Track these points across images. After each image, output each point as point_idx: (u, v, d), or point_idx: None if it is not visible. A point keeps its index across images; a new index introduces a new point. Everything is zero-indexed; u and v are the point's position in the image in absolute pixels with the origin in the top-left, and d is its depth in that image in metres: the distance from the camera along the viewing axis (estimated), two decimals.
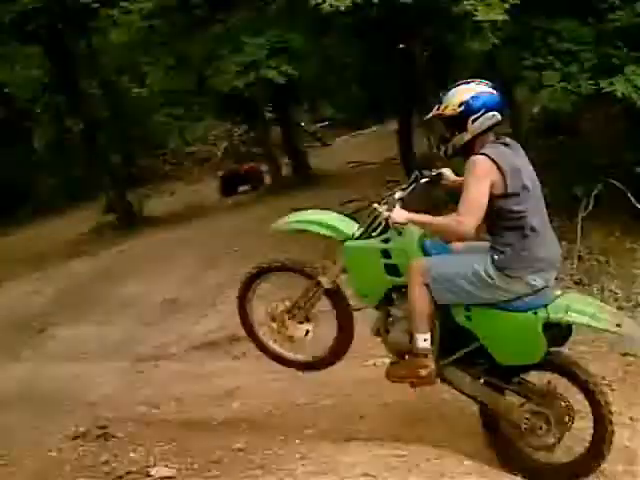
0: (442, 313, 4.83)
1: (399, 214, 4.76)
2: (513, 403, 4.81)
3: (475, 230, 4.53)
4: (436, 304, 4.77)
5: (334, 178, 18.20)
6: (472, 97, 4.60)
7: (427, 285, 4.72)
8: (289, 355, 5.80)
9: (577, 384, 4.68)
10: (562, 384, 4.75)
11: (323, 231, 5.43)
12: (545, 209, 4.75)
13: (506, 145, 4.67)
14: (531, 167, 4.74)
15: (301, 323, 5.56)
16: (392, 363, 5.19)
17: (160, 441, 5.77)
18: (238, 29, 11.17)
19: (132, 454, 5.60)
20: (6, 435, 6.58)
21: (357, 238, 5.16)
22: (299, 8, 10.40)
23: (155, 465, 5.34)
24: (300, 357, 5.80)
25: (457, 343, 4.90)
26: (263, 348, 5.90)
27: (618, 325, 4.55)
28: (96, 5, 20.35)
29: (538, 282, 4.58)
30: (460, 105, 4.63)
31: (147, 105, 24.93)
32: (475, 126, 4.62)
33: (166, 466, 5.30)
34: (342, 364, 6.65)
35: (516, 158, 4.64)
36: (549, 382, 4.75)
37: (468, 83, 4.71)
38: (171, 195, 23.36)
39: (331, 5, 8.24)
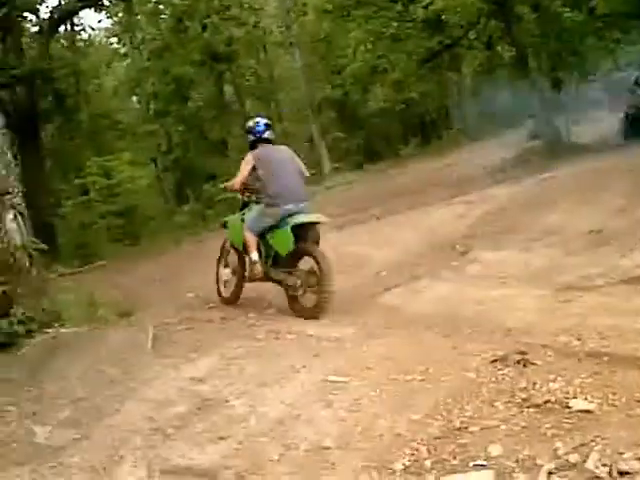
0: (263, 241, 9.37)
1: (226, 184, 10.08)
2: (287, 276, 9.22)
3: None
4: (258, 235, 9.34)
5: None
6: (249, 125, 9.73)
7: (249, 228, 9.35)
8: (223, 292, 10.56)
9: (312, 257, 8.91)
10: None
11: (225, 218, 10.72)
12: (292, 172, 9.41)
13: (266, 147, 9.55)
14: (286, 155, 9.62)
15: (224, 268, 10.50)
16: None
17: (581, 373, 5.51)
18: None
19: (551, 384, 5.40)
20: (425, 353, 6.73)
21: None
22: None
23: (575, 397, 5.11)
24: (225, 294, 10.52)
25: (270, 254, 9.40)
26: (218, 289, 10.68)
27: (317, 217, 9.33)
28: None
29: (289, 207, 9.03)
30: (245, 129, 9.87)
31: (580, 29, 24.03)
32: (248, 138, 9.72)
33: (586, 399, 5.05)
34: None
35: (271, 152, 9.50)
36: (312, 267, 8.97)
37: (252, 119, 10.02)
38: (599, 122, 22.34)
39: None
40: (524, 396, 5.28)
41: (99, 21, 59.97)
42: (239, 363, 7.34)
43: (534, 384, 5.45)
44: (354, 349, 7.26)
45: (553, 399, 5.14)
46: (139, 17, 38.01)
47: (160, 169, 40.99)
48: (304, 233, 9.02)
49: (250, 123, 9.73)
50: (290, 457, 5.07)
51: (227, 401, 6.23)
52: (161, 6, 36.17)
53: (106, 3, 28.47)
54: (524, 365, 5.85)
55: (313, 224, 9.15)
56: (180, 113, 37.03)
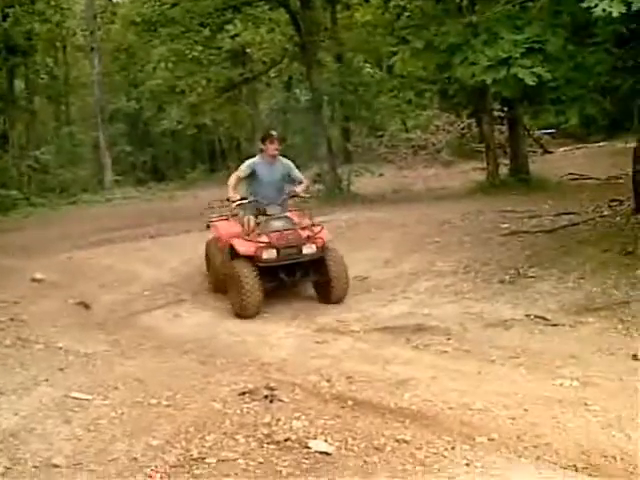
0: None
1: None
2: None
3: None
4: None
5: (551, 187, 17.54)
6: None
7: None
8: None
9: None
10: None
11: None
12: None
13: None
14: None
15: None
16: None
17: (325, 415, 5.59)
18: (496, 22, 10.74)
19: (294, 422, 5.44)
20: (175, 378, 6.62)
21: None
22: (565, 8, 9.91)
23: (315, 438, 5.16)
24: None
25: None
26: None
27: None
28: None
29: None
30: None
31: (377, 86, 24.99)
32: None
33: (326, 441, 5.10)
34: (529, 377, 6.29)
35: None
36: None
37: None
38: (380, 176, 23.20)
39: (604, 10, 7.64)
40: (266, 432, 5.28)
41: None
42: None
43: (278, 420, 5.47)
44: (103, 367, 7.04)
45: (294, 437, 5.17)
46: None
47: None
48: None
49: None
50: (16, 472, 4.80)
51: None
52: None
53: None
54: (271, 401, 5.86)
55: None
56: None
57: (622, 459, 5.07)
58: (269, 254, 9.22)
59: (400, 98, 25.44)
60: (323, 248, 9.55)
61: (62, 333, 8.41)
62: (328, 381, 6.39)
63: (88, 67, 41.23)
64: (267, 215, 9.70)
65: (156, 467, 4.80)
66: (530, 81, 9.97)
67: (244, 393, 6.04)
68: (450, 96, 21.89)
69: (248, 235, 9.51)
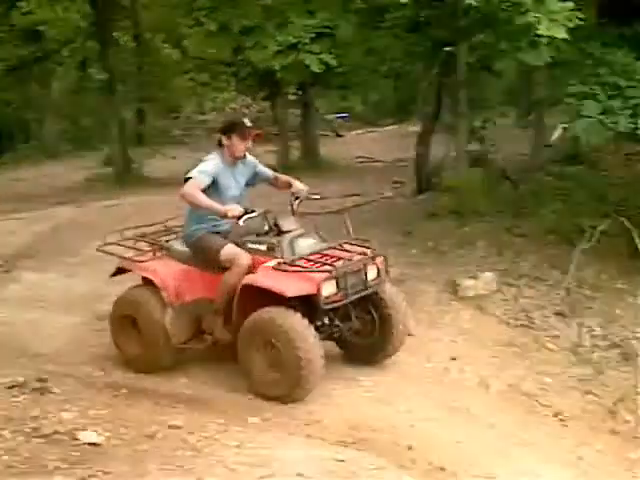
0: None
1: None
2: None
3: None
4: None
5: (340, 169, 17.97)
6: None
7: None
8: None
9: None
10: None
11: None
12: None
13: None
14: None
15: None
16: None
17: (97, 405, 5.52)
18: (289, 5, 10.78)
19: (64, 413, 5.32)
20: None
21: None
22: None
23: (85, 429, 5.05)
24: None
25: None
26: None
27: None
28: None
29: None
30: None
31: (174, 67, 24.66)
32: None
33: (96, 431, 5.02)
34: None
35: None
36: None
37: None
38: (173, 159, 22.83)
39: None
40: (34, 425, 5.12)
41: None
42: None
43: (47, 413, 5.32)
44: None
45: (62, 430, 5.04)
46: None
47: None
48: None
49: None
50: None
51: None
52: None
53: None
54: (42, 393, 5.70)
55: None
56: None
57: (390, 432, 5.30)
58: (328, 288, 5.88)
59: (196, 80, 25.28)
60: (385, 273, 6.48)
61: None
62: (102, 370, 6.29)
63: None
64: (283, 232, 6.20)
65: None
66: (316, 68, 10.14)
67: (13, 386, 5.81)
68: (243, 78, 21.89)
69: (279, 264, 5.90)
